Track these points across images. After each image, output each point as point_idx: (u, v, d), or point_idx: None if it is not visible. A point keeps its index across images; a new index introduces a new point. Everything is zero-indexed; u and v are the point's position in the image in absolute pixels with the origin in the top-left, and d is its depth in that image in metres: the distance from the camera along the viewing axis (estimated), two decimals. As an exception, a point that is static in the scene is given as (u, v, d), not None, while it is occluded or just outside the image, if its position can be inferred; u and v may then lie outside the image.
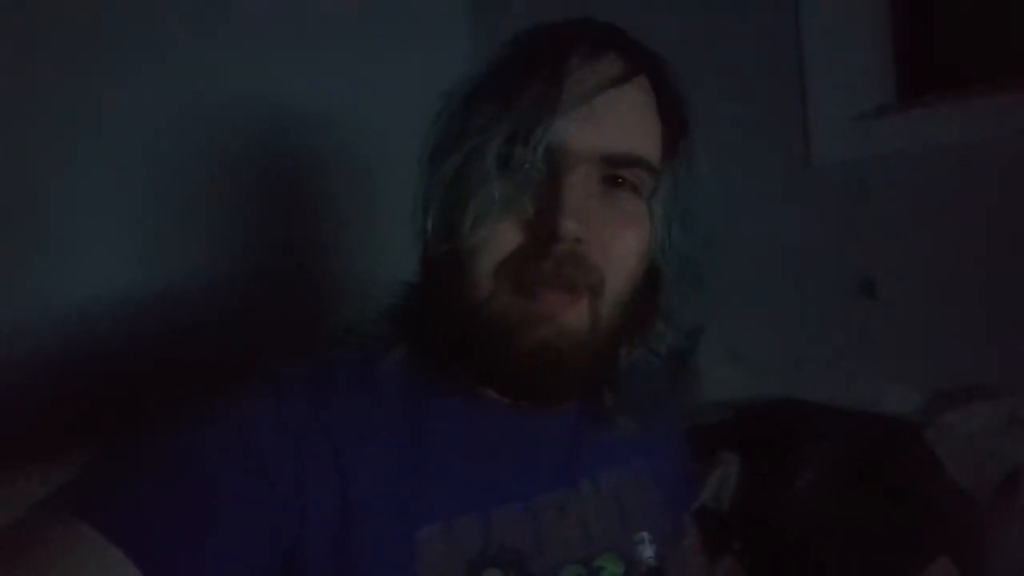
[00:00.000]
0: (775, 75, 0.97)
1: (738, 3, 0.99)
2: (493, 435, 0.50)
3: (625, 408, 0.53)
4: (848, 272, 0.93)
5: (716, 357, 0.95)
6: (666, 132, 0.48)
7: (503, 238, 0.44)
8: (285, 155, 1.01)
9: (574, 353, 0.45)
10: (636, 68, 0.46)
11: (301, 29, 1.03)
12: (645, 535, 0.54)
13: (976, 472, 0.69)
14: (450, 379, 0.50)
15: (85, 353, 0.82)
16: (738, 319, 0.97)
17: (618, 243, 0.46)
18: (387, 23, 1.14)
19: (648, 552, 0.53)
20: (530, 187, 0.44)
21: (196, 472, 0.40)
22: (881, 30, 0.96)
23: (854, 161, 0.93)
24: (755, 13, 0.98)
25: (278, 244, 1.01)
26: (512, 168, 0.44)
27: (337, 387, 0.47)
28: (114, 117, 0.85)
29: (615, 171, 0.46)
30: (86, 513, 0.36)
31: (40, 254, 0.80)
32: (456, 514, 0.47)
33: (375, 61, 1.12)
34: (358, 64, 1.09)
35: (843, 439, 0.77)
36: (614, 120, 0.45)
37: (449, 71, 0.53)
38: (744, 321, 0.97)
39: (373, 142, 1.06)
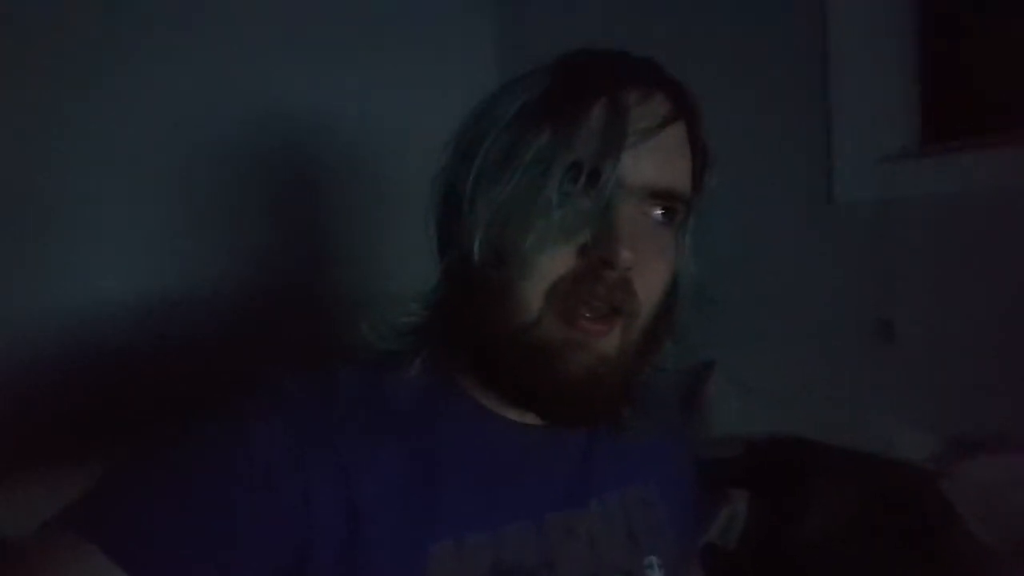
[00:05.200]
0: (801, 114, 0.98)
1: (767, 43, 1.01)
2: (503, 453, 0.50)
3: (637, 417, 0.54)
4: (865, 312, 0.93)
5: (728, 391, 0.94)
6: (696, 167, 0.50)
7: (558, 261, 0.45)
8: (299, 166, 1.01)
9: (610, 377, 0.46)
10: (681, 109, 0.48)
11: (321, 41, 1.03)
12: (654, 559, 0.53)
13: (992, 524, 0.68)
14: (461, 396, 0.50)
15: (91, 360, 0.81)
16: (752, 353, 0.97)
17: (656, 273, 0.48)
18: (408, 38, 1.14)
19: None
20: (586, 215, 0.45)
21: (201, 489, 0.40)
22: (907, 74, 0.97)
23: (875, 202, 0.93)
24: (783, 53, 0.99)
25: (289, 254, 1.01)
26: (571, 196, 0.45)
27: (344, 401, 0.47)
28: (125, 124, 0.85)
29: (656, 204, 0.47)
30: (92, 534, 0.36)
31: (45, 260, 0.80)
32: (466, 531, 0.46)
33: (394, 76, 1.12)
34: (376, 78, 1.10)
35: (856, 482, 0.76)
36: (662, 157, 0.47)
37: (469, 87, 0.53)
38: (758, 356, 0.97)
39: (390, 156, 1.06)
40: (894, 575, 0.69)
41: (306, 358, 0.52)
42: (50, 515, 0.38)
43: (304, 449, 0.43)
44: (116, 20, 0.84)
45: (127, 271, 0.86)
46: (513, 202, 0.46)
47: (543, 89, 0.48)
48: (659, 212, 0.48)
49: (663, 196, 0.47)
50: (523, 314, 0.45)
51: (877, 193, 0.93)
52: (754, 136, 0.99)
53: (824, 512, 0.76)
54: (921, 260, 0.90)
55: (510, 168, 0.46)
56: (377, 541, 0.43)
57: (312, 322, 0.99)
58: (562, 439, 0.53)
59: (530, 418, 0.51)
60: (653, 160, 0.46)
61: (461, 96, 0.52)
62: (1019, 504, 0.69)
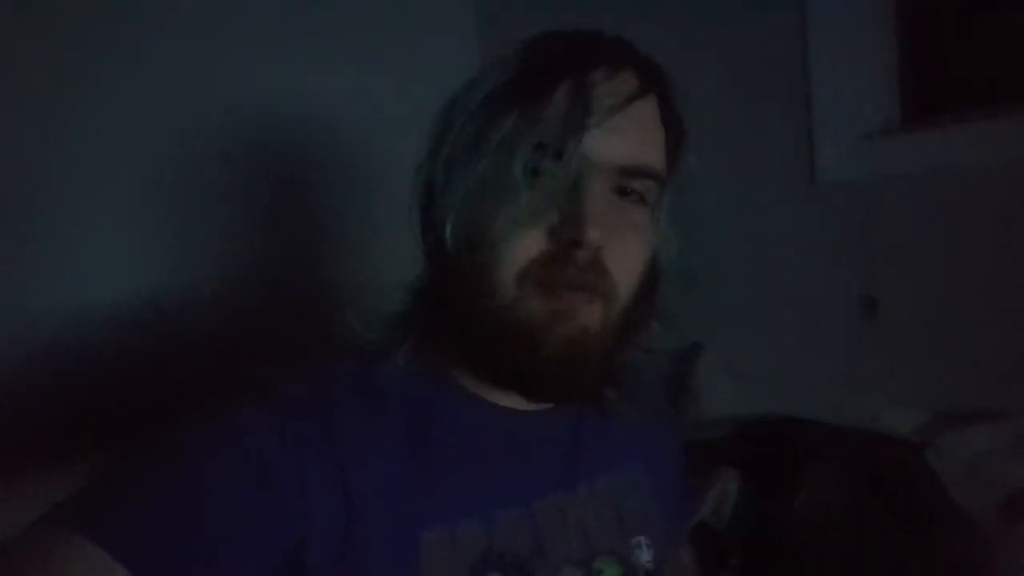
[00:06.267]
0: (781, 93, 0.98)
1: (746, 21, 1.01)
2: (494, 439, 0.51)
3: (623, 400, 0.55)
4: (850, 291, 0.93)
5: (716, 373, 0.95)
6: (669, 143, 0.50)
7: (529, 244, 0.45)
8: (287, 161, 1.02)
9: (593, 351, 0.47)
10: (650, 85, 0.48)
11: (305, 35, 1.03)
12: (642, 539, 0.54)
13: (978, 494, 0.68)
14: (451, 384, 0.51)
15: (90, 360, 0.82)
16: (739, 335, 0.97)
17: (629, 251, 0.48)
18: (391, 29, 1.14)
19: (646, 556, 0.53)
20: (554, 195, 0.45)
21: (199, 487, 0.40)
22: (887, 50, 0.97)
23: (858, 180, 0.93)
24: (763, 31, 0.99)
25: (280, 251, 1.01)
26: (538, 177, 0.45)
27: (337, 395, 0.47)
28: (115, 122, 0.85)
29: (628, 181, 0.47)
30: (88, 529, 0.36)
31: (45, 260, 0.80)
32: (459, 518, 0.47)
33: (378, 67, 1.12)
34: (361, 70, 1.10)
35: (845, 458, 0.77)
36: (630, 133, 0.47)
37: (453, 78, 0.53)
38: (745, 337, 0.97)
39: (376, 148, 1.07)
40: (886, 557, 0.69)
41: (304, 355, 0.52)
42: (42, 512, 0.38)
43: (299, 444, 0.44)
44: (115, 20, 0.85)
45: (127, 271, 0.86)
46: (481, 187, 0.46)
47: (510, 73, 0.48)
48: (631, 189, 0.48)
49: (634, 173, 0.47)
50: (499, 297, 0.45)
51: (860, 171, 0.93)
52: (735, 116, 0.99)
53: (814, 491, 0.76)
54: (904, 237, 0.90)
55: (477, 154, 0.46)
56: (373, 532, 0.44)
57: (311, 320, 1.00)
58: (550, 424, 0.53)
59: (518, 402, 0.51)
60: (621, 137, 0.46)
61: (448, 90, 0.52)
62: (1001, 473, 0.69)
